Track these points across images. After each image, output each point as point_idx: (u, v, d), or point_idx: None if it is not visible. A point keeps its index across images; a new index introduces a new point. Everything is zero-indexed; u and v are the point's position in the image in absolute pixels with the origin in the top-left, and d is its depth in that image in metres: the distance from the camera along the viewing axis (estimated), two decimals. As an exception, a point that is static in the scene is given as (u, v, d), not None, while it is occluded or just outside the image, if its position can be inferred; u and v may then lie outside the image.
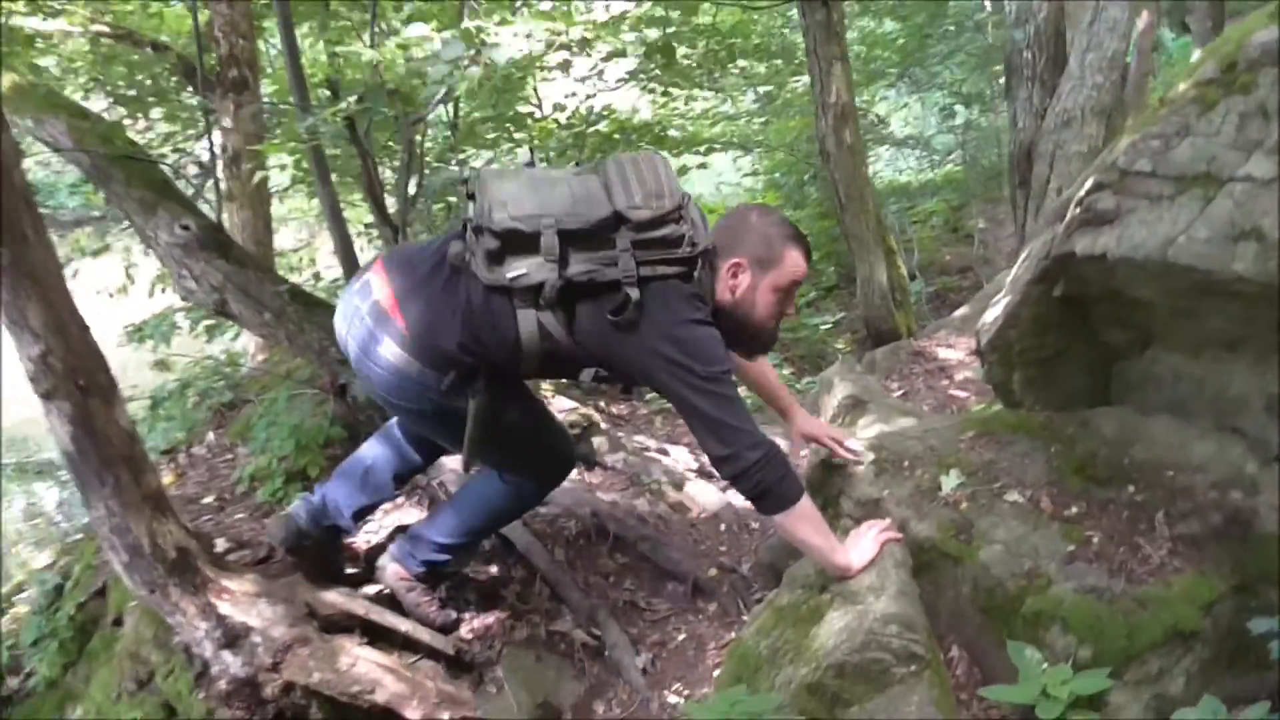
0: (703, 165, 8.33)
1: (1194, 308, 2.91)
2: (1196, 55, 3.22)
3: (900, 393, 5.29)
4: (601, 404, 5.24)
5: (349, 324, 2.94)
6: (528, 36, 3.64)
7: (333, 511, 3.36)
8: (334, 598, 3.36)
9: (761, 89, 11.77)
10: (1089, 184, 3.06)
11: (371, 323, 2.86)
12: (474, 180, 2.80)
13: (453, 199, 5.82)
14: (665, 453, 4.70)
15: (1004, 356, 3.43)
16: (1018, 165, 5.76)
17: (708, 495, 4.40)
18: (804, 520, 2.76)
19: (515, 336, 2.77)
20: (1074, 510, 2.93)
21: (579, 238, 2.68)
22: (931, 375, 5.48)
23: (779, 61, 10.89)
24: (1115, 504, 2.94)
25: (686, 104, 9.44)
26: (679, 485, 4.43)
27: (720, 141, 9.92)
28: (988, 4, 11.50)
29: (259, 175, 5.17)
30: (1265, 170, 2.62)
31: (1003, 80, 6.69)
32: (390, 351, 2.84)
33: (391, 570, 3.41)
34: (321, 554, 3.44)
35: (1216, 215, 2.69)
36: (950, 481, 3.10)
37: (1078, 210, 3.08)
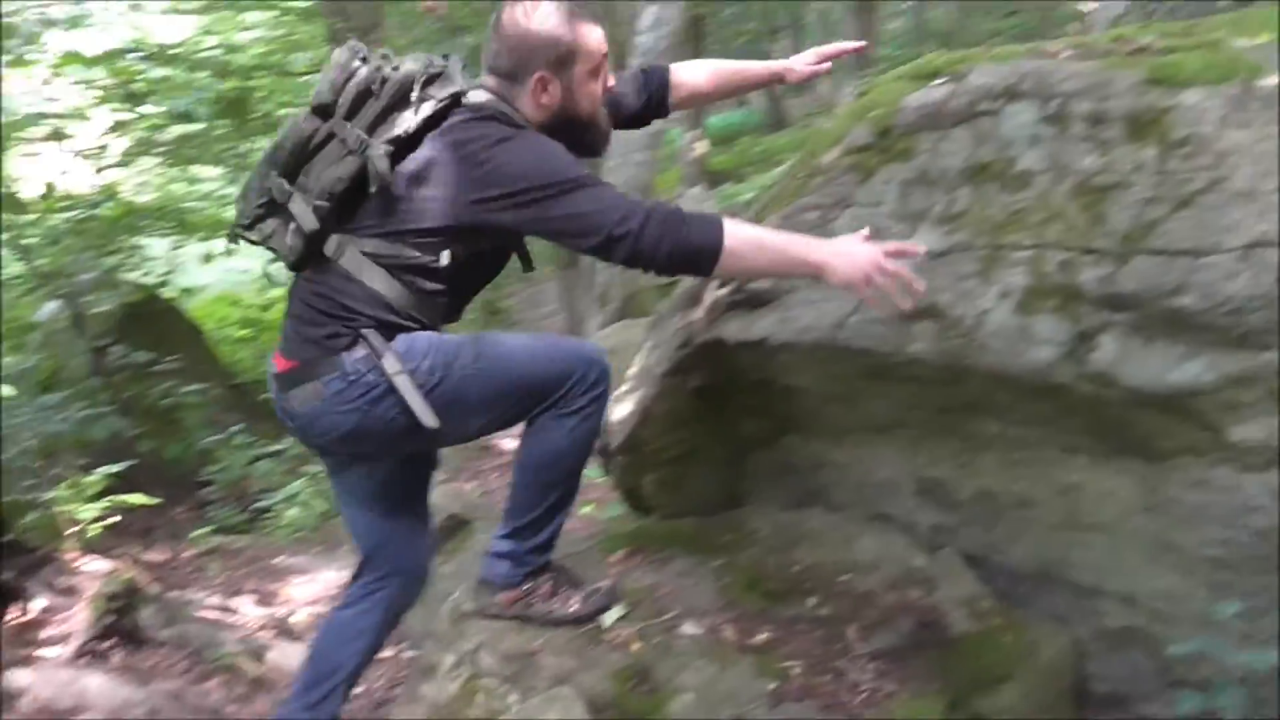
0: (229, 252, 7.23)
1: (854, 393, 2.68)
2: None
3: (480, 493, 4.77)
4: (135, 553, 4.16)
5: (286, 421, 2.52)
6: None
7: None
8: None
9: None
10: (735, 261, 2.74)
11: (278, 395, 2.48)
12: None
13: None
14: (232, 610, 3.74)
15: (636, 458, 3.04)
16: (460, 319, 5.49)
17: (299, 657, 3.47)
18: (746, 249, 2.23)
19: (355, 279, 2.37)
20: (762, 637, 2.56)
21: (299, 159, 2.36)
22: (507, 472, 5.02)
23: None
24: (802, 622, 2.61)
25: (192, 184, 8.24)
26: (259, 654, 3.49)
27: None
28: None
29: None
30: (935, 242, 2.43)
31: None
32: (299, 402, 2.42)
33: (503, 600, 2.66)
34: None
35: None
36: (612, 616, 2.60)
37: (725, 292, 2.75)
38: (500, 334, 2.62)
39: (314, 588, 4.25)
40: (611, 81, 2.54)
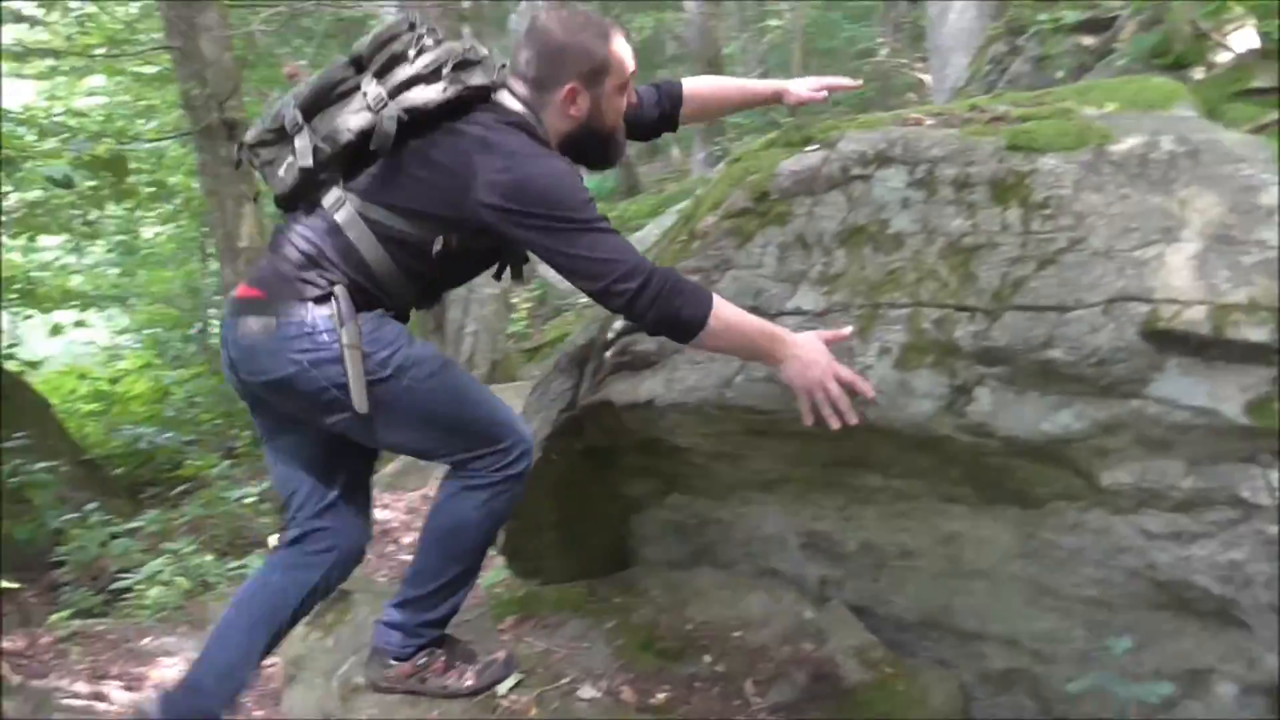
0: (80, 324, 6.93)
1: (740, 450, 2.73)
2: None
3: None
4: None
5: (224, 350, 2.47)
6: None
7: None
8: None
9: (117, 236, 10.25)
10: (620, 324, 2.77)
11: (230, 317, 2.45)
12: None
13: None
14: (101, 696, 3.53)
15: (525, 523, 3.01)
16: (431, 310, 5.46)
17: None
18: (724, 330, 2.32)
19: (347, 237, 2.40)
20: (661, 697, 2.57)
21: (320, 101, 2.40)
22: (375, 542, 4.90)
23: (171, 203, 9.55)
24: (699, 680, 2.62)
25: (26, 255, 7.86)
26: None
27: (94, 295, 8.42)
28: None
29: None
30: (814, 302, 2.51)
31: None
32: (247, 331, 2.39)
33: (395, 673, 2.60)
34: None
35: (773, 351, 2.53)
36: (508, 685, 2.58)
37: (610, 354, 2.78)
38: (460, 369, 2.59)
39: (183, 669, 4.07)
40: (634, 98, 2.62)
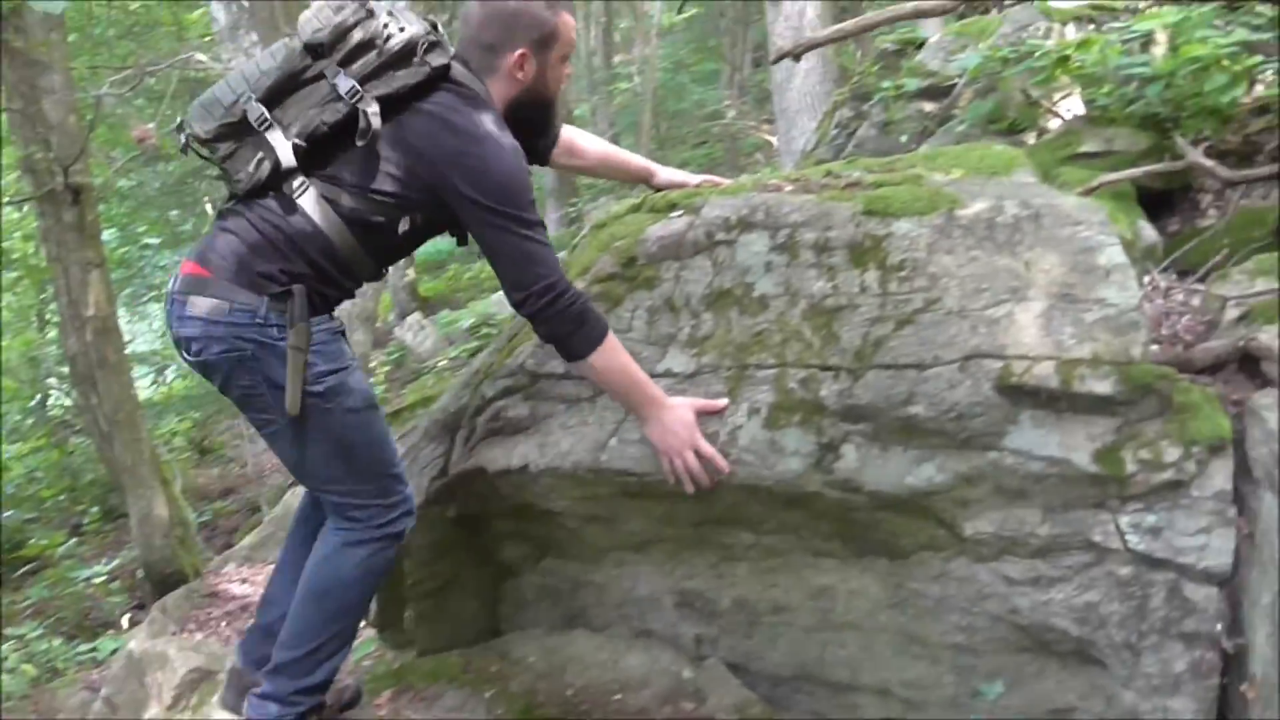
0: None
1: (613, 513, 2.74)
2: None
3: (217, 644, 4.44)
4: None
5: (169, 324, 2.49)
6: None
7: None
8: None
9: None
10: (491, 390, 2.77)
11: (178, 293, 2.43)
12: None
13: None
14: None
15: (394, 593, 2.97)
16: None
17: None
18: (604, 369, 2.42)
19: (310, 222, 2.41)
20: (543, 764, 2.54)
21: (283, 91, 2.38)
22: (235, 618, 4.73)
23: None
24: (581, 745, 2.60)
25: None
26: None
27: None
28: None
29: None
30: (684, 364, 2.57)
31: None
32: (193, 306, 2.39)
33: None
34: None
35: (645, 414, 2.56)
36: (386, 760, 2.52)
37: (482, 420, 2.78)
38: (381, 416, 2.61)
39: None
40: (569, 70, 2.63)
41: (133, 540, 6.15)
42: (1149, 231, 3.04)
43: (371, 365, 9.51)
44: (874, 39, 6.66)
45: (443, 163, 2.37)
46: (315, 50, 2.39)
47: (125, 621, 5.98)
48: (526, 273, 2.37)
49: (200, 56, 6.80)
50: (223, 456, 10.03)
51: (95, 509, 8.47)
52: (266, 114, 2.37)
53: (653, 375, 2.56)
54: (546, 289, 2.36)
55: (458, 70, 2.48)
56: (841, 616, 2.60)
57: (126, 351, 6.07)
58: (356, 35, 2.39)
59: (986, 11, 5.46)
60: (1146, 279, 2.85)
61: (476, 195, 2.35)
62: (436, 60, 2.42)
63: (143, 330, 12.77)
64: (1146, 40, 3.87)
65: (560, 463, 2.62)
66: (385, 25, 2.41)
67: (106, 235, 9.64)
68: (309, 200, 2.40)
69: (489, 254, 2.44)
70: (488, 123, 2.41)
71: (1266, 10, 3.82)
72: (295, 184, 2.40)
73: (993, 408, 2.22)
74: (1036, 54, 3.90)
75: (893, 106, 5.07)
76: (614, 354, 2.42)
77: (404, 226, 2.47)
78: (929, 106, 4.97)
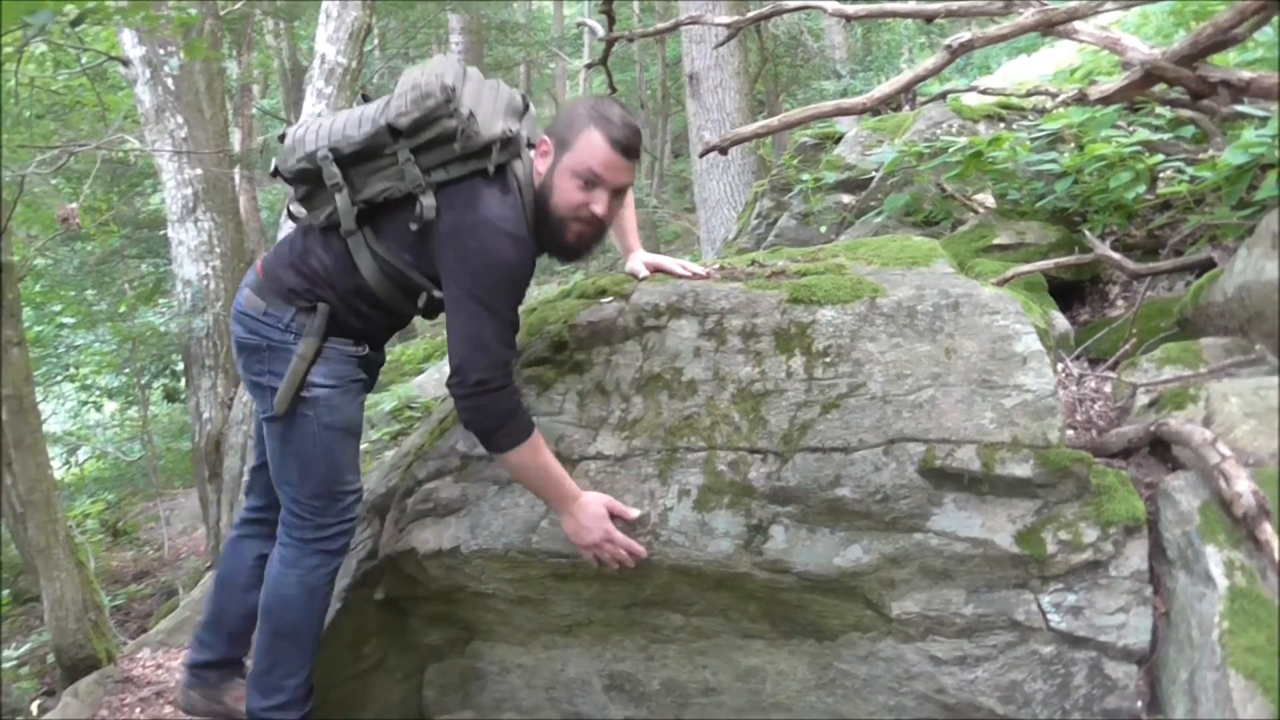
0: None
1: (543, 594, 2.74)
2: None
3: None
4: None
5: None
6: None
7: None
8: None
9: None
10: (422, 472, 2.77)
11: (245, 284, 2.82)
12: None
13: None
14: None
15: (320, 677, 2.90)
16: (206, 457, 5.23)
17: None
18: (522, 468, 2.52)
19: (352, 264, 2.67)
20: None
21: (359, 159, 2.60)
22: (149, 704, 4.57)
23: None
24: (509, 834, 2.56)
25: None
26: None
27: None
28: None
29: None
30: (614, 447, 2.60)
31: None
32: (244, 297, 2.78)
33: None
34: None
35: (577, 496, 2.58)
36: None
37: (412, 501, 2.77)
38: (355, 452, 2.81)
39: None
40: (602, 209, 2.55)
41: (44, 624, 5.95)
42: (1061, 321, 3.17)
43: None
44: (793, 134, 6.86)
45: (444, 236, 2.50)
46: (396, 132, 2.54)
47: (34, 708, 5.75)
48: (470, 358, 2.44)
49: (128, 138, 6.77)
50: (136, 540, 9.74)
51: (5, 592, 8.16)
52: (340, 178, 2.60)
53: (584, 458, 2.60)
54: (481, 382, 2.43)
55: (519, 162, 2.62)
56: (770, 697, 2.62)
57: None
58: (435, 130, 2.52)
59: (899, 109, 5.68)
60: (1060, 366, 2.96)
61: (456, 268, 2.48)
62: (498, 159, 2.54)
63: (56, 409, 12.50)
64: (1054, 138, 4.06)
65: (492, 544, 2.63)
66: (462, 125, 2.52)
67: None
68: (358, 247, 2.65)
69: (447, 328, 2.53)
70: (499, 206, 2.51)
71: (1166, 112, 4.04)
72: (348, 228, 2.64)
73: (917, 490, 2.28)
74: (950, 150, 4.06)
75: (812, 198, 5.23)
76: (534, 453, 2.50)
77: (422, 301, 2.68)
78: (847, 198, 5.14)
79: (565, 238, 2.58)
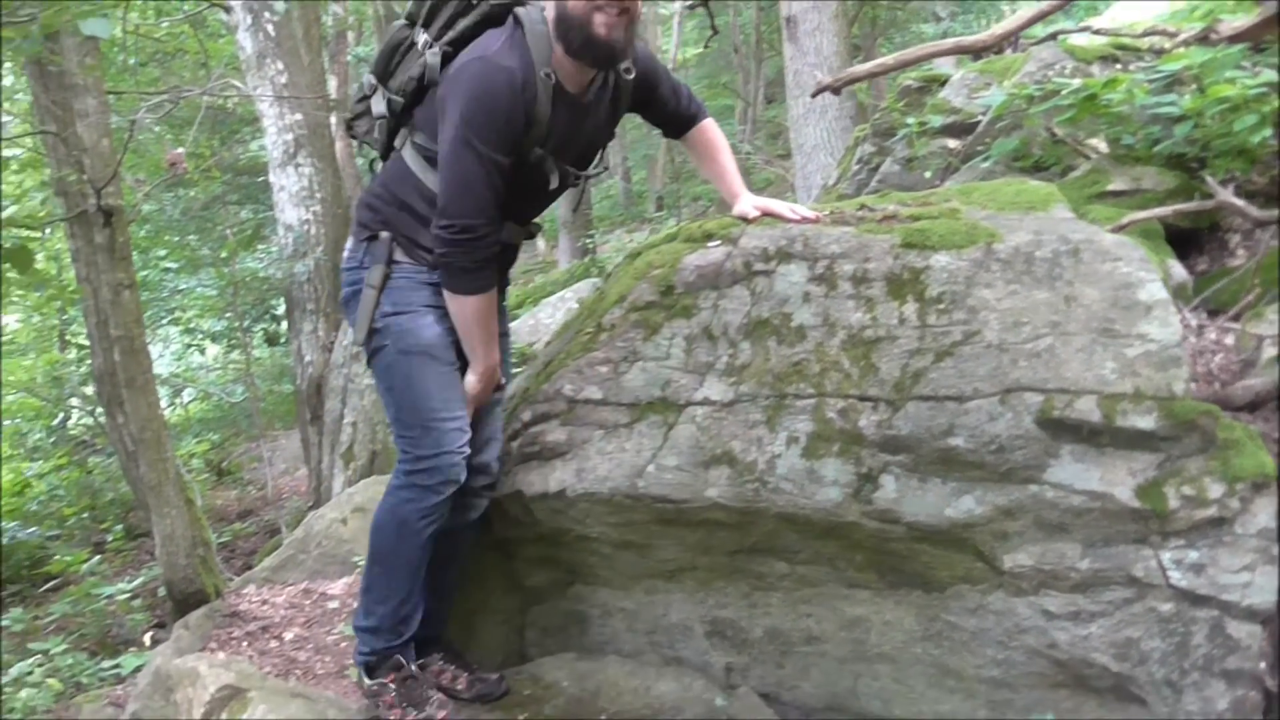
0: None
1: (647, 539, 2.75)
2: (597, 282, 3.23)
3: (244, 660, 4.41)
4: None
5: None
6: None
7: None
8: None
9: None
10: (528, 415, 2.79)
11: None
12: None
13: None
14: None
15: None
16: (308, 400, 5.33)
17: None
18: (465, 312, 2.66)
19: (406, 168, 2.73)
20: (577, 791, 2.53)
21: (388, 62, 2.74)
22: (256, 638, 4.71)
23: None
24: (615, 771, 2.60)
25: None
26: None
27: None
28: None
29: None
30: (722, 393, 2.58)
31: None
32: (346, 249, 2.90)
33: (362, 685, 2.88)
34: None
35: (682, 441, 2.58)
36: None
37: (518, 445, 2.79)
38: (443, 371, 2.74)
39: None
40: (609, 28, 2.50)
41: (155, 559, 6.15)
42: (1179, 270, 3.06)
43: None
44: (894, 77, 6.70)
45: (444, 84, 2.59)
46: (410, 19, 2.68)
47: (147, 639, 5.95)
48: (456, 201, 2.55)
49: (234, 83, 6.88)
50: (240, 479, 10.00)
51: (118, 527, 8.48)
52: (375, 82, 2.74)
53: (690, 403, 2.59)
54: (468, 227, 2.55)
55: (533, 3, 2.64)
56: (875, 648, 2.60)
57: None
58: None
59: (1000, 51, 5.50)
60: (1179, 317, 2.87)
61: (450, 109, 2.53)
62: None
63: (162, 353, 12.86)
64: (1173, 80, 3.90)
65: (598, 488, 2.63)
66: None
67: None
68: (407, 148, 2.71)
69: (439, 173, 2.60)
70: (495, 42, 2.56)
71: (1294, 53, 3.85)
72: (399, 139, 2.74)
73: (1033, 441, 2.23)
74: (1063, 92, 3.92)
75: (917, 143, 5.09)
76: (488, 304, 2.67)
77: None
78: (953, 143, 5.00)
79: (594, 32, 2.50)
